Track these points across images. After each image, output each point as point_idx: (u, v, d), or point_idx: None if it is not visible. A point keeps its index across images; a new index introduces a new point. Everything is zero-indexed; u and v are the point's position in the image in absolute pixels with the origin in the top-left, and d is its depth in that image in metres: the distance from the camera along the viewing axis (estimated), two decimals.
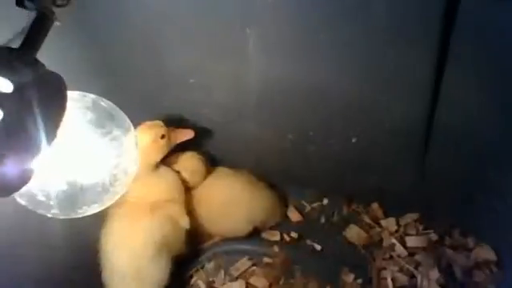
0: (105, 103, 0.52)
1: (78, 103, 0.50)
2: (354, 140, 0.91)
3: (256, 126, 0.90)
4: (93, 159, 0.52)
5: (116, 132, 0.52)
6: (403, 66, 0.73)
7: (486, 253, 0.93)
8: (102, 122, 0.51)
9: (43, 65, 0.41)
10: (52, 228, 0.70)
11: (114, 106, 0.53)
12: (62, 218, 0.51)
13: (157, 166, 0.85)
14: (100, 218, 0.82)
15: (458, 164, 0.89)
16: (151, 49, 0.80)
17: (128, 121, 0.54)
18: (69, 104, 0.42)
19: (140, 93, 0.87)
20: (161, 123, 0.82)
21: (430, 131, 0.87)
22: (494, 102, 0.75)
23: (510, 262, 0.89)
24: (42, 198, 0.49)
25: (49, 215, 0.50)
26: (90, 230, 0.80)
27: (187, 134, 0.85)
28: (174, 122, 0.87)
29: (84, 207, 0.51)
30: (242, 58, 0.78)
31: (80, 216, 0.52)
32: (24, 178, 0.40)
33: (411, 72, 0.73)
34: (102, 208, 0.53)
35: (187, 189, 0.91)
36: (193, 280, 0.91)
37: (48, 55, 0.45)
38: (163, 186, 0.85)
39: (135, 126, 0.70)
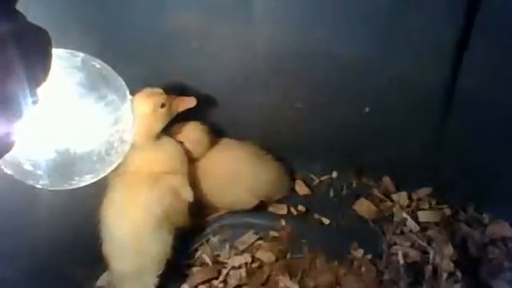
0: (97, 64, 0.48)
1: (65, 62, 0.45)
2: (367, 109, 0.87)
3: (263, 94, 0.86)
4: (87, 126, 0.48)
5: (111, 96, 0.48)
6: (426, 29, 0.68)
7: (501, 229, 0.90)
8: (95, 84, 0.47)
9: (24, 16, 0.37)
10: (51, 199, 0.67)
11: (108, 67, 0.48)
12: (52, 189, 0.47)
13: (158, 136, 0.81)
14: (101, 189, 0.79)
15: (475, 136, 0.85)
16: (150, 7, 0.74)
17: (124, 84, 0.50)
18: (55, 63, 0.37)
19: (137, 57, 0.82)
20: (160, 91, 0.78)
21: (449, 100, 0.82)
22: None
23: None
24: (29, 168, 0.45)
25: (38, 186, 0.46)
26: (91, 200, 0.77)
27: (189, 103, 0.81)
28: (175, 90, 0.82)
29: (77, 178, 0.48)
30: (248, 20, 0.73)
31: (73, 187, 0.48)
32: (5, 144, 0.36)
33: (435, 36, 0.68)
34: (97, 179, 0.50)
35: (191, 160, 0.87)
36: (198, 254, 0.89)
37: (33, 10, 0.41)
38: (165, 156, 0.81)
39: (132, 93, 0.66)
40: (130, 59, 0.77)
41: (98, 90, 0.47)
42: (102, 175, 0.50)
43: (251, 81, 0.84)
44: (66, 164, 0.46)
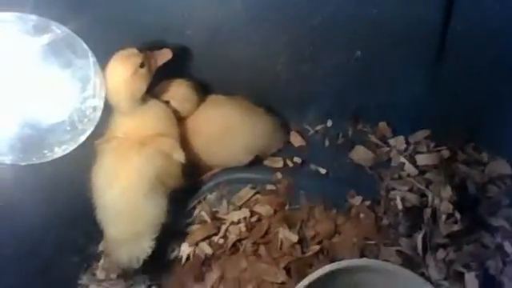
0: (57, 28, 0.45)
1: (15, 26, 0.42)
2: (358, 53, 0.84)
3: (246, 46, 0.82)
4: (55, 95, 0.46)
5: (77, 62, 0.45)
6: None
7: (500, 167, 0.89)
8: (59, 51, 0.44)
9: None
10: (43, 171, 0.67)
11: (69, 31, 0.46)
12: (24, 164, 0.46)
13: (144, 99, 0.79)
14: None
15: (471, 76, 0.83)
16: None
17: (87, 49, 0.47)
18: (3, 28, 0.34)
19: (106, 14, 0.76)
20: (135, 50, 0.75)
21: (443, 40, 0.80)
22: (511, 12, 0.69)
23: None
24: None
25: (7, 162, 0.45)
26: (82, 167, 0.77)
27: (165, 55, 0.78)
28: (152, 49, 0.79)
29: (49, 150, 0.46)
30: None
31: (49, 159, 0.47)
32: None
33: None
34: (71, 149, 0.48)
35: (179, 119, 0.86)
36: (196, 212, 0.89)
37: None
38: (152, 119, 0.79)
39: (104, 55, 0.63)
40: (103, 20, 0.73)
41: (63, 57, 0.45)
42: (76, 145, 0.49)
43: (233, 33, 0.80)
44: (37, 136, 0.45)
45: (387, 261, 0.77)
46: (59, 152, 0.47)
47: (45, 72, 0.44)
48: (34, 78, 0.44)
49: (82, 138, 0.49)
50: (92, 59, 0.48)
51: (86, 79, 0.46)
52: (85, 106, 0.47)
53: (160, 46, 0.79)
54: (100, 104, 0.50)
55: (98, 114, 0.50)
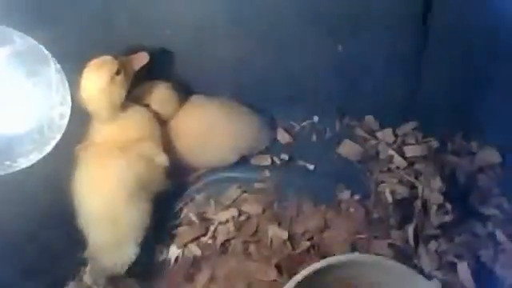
0: (18, 37, 0.43)
1: None
2: (340, 48, 0.83)
3: (229, 43, 0.81)
4: (21, 104, 0.44)
5: (40, 70, 0.44)
6: None
7: (490, 155, 0.88)
8: (22, 60, 0.43)
9: None
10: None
11: (30, 39, 0.44)
12: None
13: (123, 104, 0.78)
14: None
15: (456, 64, 0.83)
16: None
17: (49, 54, 0.46)
18: None
19: (79, 19, 0.75)
20: (109, 57, 0.74)
21: (426, 30, 0.80)
22: None
23: None
24: None
25: None
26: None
27: (142, 59, 0.77)
28: (130, 52, 0.78)
29: (15, 160, 0.45)
30: None
31: (15, 170, 0.46)
32: None
33: None
34: (39, 158, 0.47)
35: (162, 122, 0.84)
36: (183, 213, 0.88)
37: None
38: (132, 124, 0.78)
39: (78, 64, 0.62)
40: (68, 22, 0.72)
41: (26, 66, 0.43)
42: (42, 154, 0.48)
43: (214, 31, 0.80)
44: (2, 147, 0.43)
45: (379, 254, 0.76)
46: (27, 161, 0.46)
47: (9, 81, 0.43)
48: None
49: (49, 147, 0.48)
50: (55, 66, 0.46)
51: (51, 87, 0.45)
52: (52, 113, 0.46)
53: (138, 49, 0.78)
54: (67, 111, 0.49)
55: (66, 121, 0.49)
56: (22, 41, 0.45)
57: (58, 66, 0.48)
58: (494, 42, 0.77)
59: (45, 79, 0.45)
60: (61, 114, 0.48)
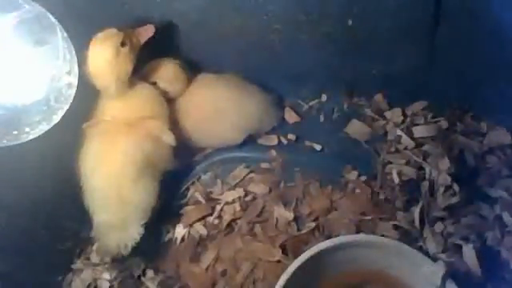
0: (25, 3, 0.42)
1: None
2: (350, 22, 0.81)
3: (237, 18, 0.79)
4: (29, 74, 0.44)
5: (47, 39, 0.43)
6: None
7: (500, 136, 0.86)
8: (28, 28, 0.42)
9: None
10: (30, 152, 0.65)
11: (37, 6, 0.43)
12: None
13: (131, 81, 0.77)
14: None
15: (467, 44, 0.81)
16: None
17: (58, 24, 0.45)
18: None
19: None
20: (114, 30, 0.72)
21: (439, 7, 0.77)
22: None
23: None
24: None
25: None
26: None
27: (148, 31, 0.75)
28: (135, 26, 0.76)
29: (24, 130, 0.44)
30: None
31: (23, 140, 0.45)
32: None
33: None
34: (47, 128, 0.46)
35: (169, 100, 0.84)
36: (190, 193, 0.88)
37: None
38: (140, 101, 0.78)
39: (86, 36, 0.61)
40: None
41: (33, 34, 0.42)
42: (51, 125, 0.47)
43: (221, 6, 0.77)
44: (9, 117, 0.43)
45: (384, 236, 0.76)
46: (35, 132, 0.46)
47: (16, 50, 0.42)
48: (5, 57, 0.42)
49: (57, 118, 0.48)
50: (62, 34, 0.45)
51: (58, 56, 0.44)
52: (60, 83, 0.45)
53: (143, 20, 0.76)
54: (75, 81, 0.48)
55: (73, 91, 0.48)
56: (29, 7, 0.43)
57: (65, 34, 0.47)
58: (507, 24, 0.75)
59: (52, 48, 0.44)
60: (68, 83, 0.47)
